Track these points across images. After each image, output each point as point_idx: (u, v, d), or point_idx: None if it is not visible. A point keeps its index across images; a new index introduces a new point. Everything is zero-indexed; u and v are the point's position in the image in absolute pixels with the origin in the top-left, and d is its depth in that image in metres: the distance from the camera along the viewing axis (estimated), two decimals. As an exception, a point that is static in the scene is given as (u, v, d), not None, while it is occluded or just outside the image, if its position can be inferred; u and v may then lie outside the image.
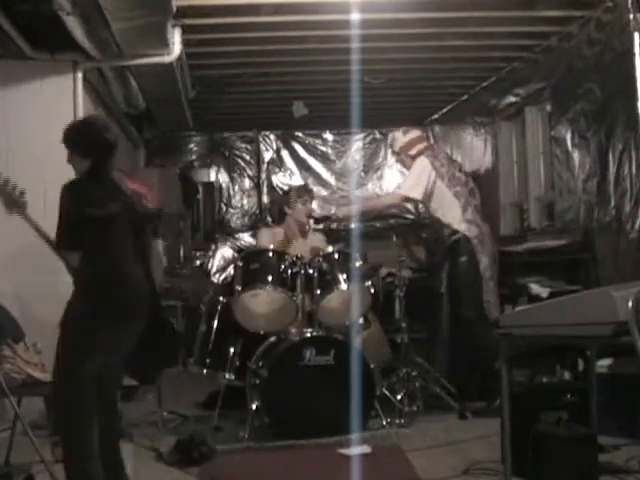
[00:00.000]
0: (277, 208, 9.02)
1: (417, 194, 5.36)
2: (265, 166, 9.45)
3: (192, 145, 9.39)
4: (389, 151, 9.46)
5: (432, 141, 5.97)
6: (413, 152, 5.51)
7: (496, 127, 7.17)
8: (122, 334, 3.27)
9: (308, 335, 4.65)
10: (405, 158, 5.61)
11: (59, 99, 5.06)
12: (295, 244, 5.38)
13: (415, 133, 5.69)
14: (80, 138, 3.44)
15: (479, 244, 5.27)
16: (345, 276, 4.78)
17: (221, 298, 4.99)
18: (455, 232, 5.29)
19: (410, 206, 9.20)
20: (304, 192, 5.66)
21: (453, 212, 5.30)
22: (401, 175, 9.50)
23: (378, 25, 5.30)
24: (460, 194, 5.36)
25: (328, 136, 9.51)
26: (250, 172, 9.45)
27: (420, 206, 8.63)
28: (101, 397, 3.25)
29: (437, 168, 5.36)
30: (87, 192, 3.29)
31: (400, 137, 5.63)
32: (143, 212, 3.58)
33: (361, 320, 5.01)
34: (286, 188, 9.26)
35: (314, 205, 6.04)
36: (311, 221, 5.56)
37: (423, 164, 5.39)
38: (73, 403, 3.16)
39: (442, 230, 5.42)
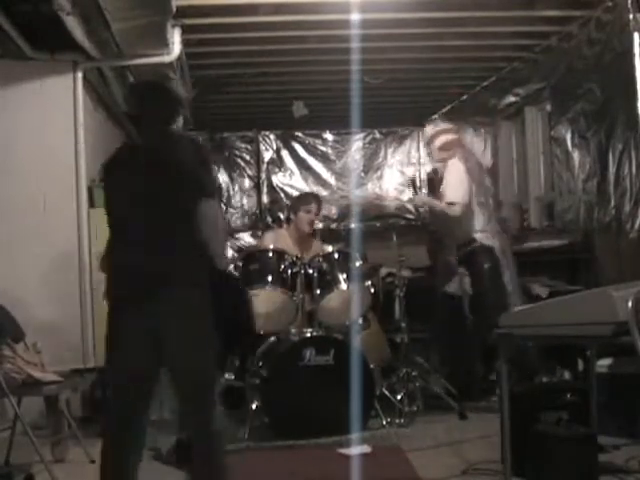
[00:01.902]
0: (281, 210, 9.02)
1: (459, 197, 5.12)
2: (265, 166, 9.46)
3: (192, 145, 9.37)
4: (389, 150, 9.55)
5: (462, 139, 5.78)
6: (438, 143, 5.35)
7: (496, 127, 7.18)
8: None
9: (308, 335, 4.65)
10: (433, 150, 5.48)
11: (59, 99, 5.05)
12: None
13: (444, 125, 5.62)
14: None
15: (503, 257, 5.16)
16: (345, 276, 4.78)
17: (221, 298, 4.98)
18: (472, 240, 5.17)
19: (411, 206, 9.22)
20: (310, 200, 5.51)
21: (473, 221, 5.17)
22: (401, 175, 9.55)
23: (378, 25, 5.30)
24: (485, 205, 5.24)
25: (328, 136, 9.51)
26: (250, 172, 9.46)
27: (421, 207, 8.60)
28: None
29: (469, 169, 5.21)
30: None
31: (430, 128, 5.58)
32: None
33: (361, 320, 5.00)
34: (286, 189, 9.29)
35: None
36: (318, 224, 5.50)
37: (457, 167, 5.22)
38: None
39: (454, 234, 5.29)
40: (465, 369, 5.16)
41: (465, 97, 7.75)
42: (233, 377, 4.78)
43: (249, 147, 9.46)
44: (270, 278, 4.73)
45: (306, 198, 5.64)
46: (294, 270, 4.79)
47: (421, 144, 9.44)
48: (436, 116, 5.70)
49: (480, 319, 5.14)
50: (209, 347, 2.92)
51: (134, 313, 2.86)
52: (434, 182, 8.23)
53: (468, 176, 5.20)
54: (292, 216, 5.52)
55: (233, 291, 3.15)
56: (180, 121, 3.34)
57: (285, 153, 9.49)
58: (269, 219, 9.32)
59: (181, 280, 2.88)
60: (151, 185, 2.92)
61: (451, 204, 5.15)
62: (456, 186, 5.19)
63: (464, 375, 5.12)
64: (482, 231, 5.19)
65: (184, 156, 2.95)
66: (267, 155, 9.48)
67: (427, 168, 9.15)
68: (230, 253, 9.20)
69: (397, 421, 4.65)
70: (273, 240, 5.40)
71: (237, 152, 9.45)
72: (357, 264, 4.83)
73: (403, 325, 5.05)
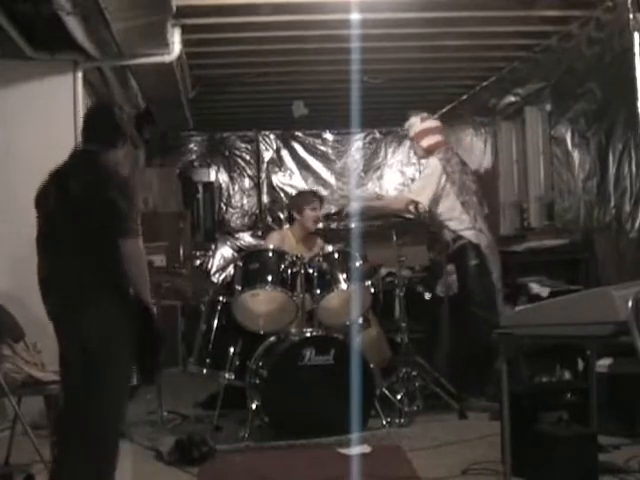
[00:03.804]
0: (281, 210, 9.04)
1: (424, 198, 5.20)
2: (265, 166, 9.46)
3: (192, 145, 9.40)
4: (389, 150, 9.57)
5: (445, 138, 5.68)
6: (424, 144, 5.34)
7: (496, 127, 7.18)
8: None
9: (308, 335, 4.65)
10: (417, 147, 5.47)
11: (59, 99, 5.06)
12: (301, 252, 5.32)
13: (432, 123, 5.49)
14: None
15: (490, 254, 5.18)
16: (345, 276, 4.78)
17: (221, 298, 4.99)
18: (460, 237, 5.20)
19: (412, 208, 9.23)
20: (314, 198, 5.56)
21: (460, 220, 5.21)
22: (401, 175, 9.57)
23: (378, 25, 5.30)
24: (470, 204, 5.24)
25: (328, 136, 9.52)
26: (250, 172, 9.46)
27: (420, 206, 8.61)
28: None
29: (449, 173, 5.22)
30: None
31: (417, 123, 5.41)
32: None
33: (361, 320, 5.00)
34: (286, 188, 9.29)
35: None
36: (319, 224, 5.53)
37: (434, 166, 5.24)
38: None
39: (443, 234, 5.33)
40: (456, 368, 5.17)
41: (465, 97, 7.75)
42: (233, 377, 4.78)
43: (249, 147, 9.46)
44: (270, 278, 4.73)
45: (309, 196, 5.66)
46: (294, 270, 4.79)
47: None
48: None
49: (468, 316, 5.16)
50: (89, 388, 2.96)
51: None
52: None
53: (445, 178, 5.20)
54: (297, 216, 5.52)
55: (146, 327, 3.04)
56: (118, 151, 3.17)
57: (285, 153, 9.50)
58: (269, 219, 9.34)
59: (74, 314, 2.98)
60: (58, 212, 3.00)
61: (408, 198, 5.30)
62: (424, 186, 5.26)
63: (458, 374, 5.12)
64: (469, 229, 5.20)
65: (96, 191, 2.94)
66: (267, 155, 9.49)
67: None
68: (230, 253, 9.23)
69: (397, 421, 4.64)
70: (278, 240, 5.41)
71: (237, 152, 9.46)
72: (357, 264, 4.82)
73: (403, 325, 5.05)
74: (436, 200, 5.24)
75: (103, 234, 2.93)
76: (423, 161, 5.65)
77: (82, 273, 2.98)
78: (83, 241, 2.97)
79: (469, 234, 5.20)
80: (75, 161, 3.13)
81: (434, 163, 5.27)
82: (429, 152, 5.35)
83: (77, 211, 2.96)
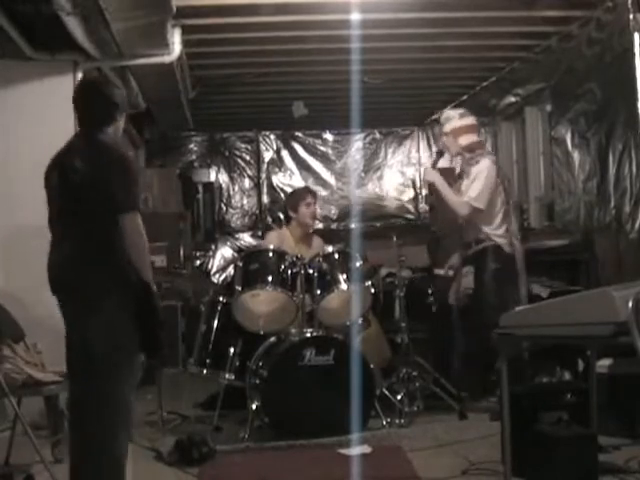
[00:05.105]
0: (281, 211, 9.03)
1: (482, 203, 4.86)
2: (265, 166, 9.47)
3: (192, 145, 9.40)
4: (389, 151, 9.56)
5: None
6: (463, 141, 4.97)
7: (496, 127, 7.18)
8: None
9: (308, 335, 4.65)
10: (452, 143, 5.03)
11: (59, 99, 5.05)
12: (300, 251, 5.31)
13: (471, 120, 5.11)
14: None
15: (521, 263, 4.93)
16: (345, 276, 4.78)
17: (221, 298, 4.99)
18: (482, 240, 4.95)
19: (411, 206, 9.23)
20: (307, 194, 5.59)
21: (499, 226, 4.95)
22: (401, 175, 9.56)
23: (378, 25, 5.30)
24: (509, 212, 5.00)
25: (328, 136, 9.53)
26: (250, 172, 9.47)
27: (420, 206, 8.62)
28: None
29: (502, 179, 4.99)
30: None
31: (455, 118, 5.05)
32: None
33: (361, 320, 5.00)
34: (286, 189, 9.29)
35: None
36: (318, 224, 5.50)
37: (490, 170, 4.92)
38: None
39: (467, 235, 5.07)
40: (463, 370, 5.15)
41: (465, 97, 7.75)
42: (233, 377, 4.78)
43: (249, 147, 9.47)
44: (270, 278, 4.73)
45: (302, 193, 5.69)
46: (294, 270, 4.79)
47: (421, 144, 9.46)
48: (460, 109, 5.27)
49: (479, 320, 5.08)
50: (92, 360, 2.95)
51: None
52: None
53: (499, 182, 4.96)
54: (293, 214, 5.54)
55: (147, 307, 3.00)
56: (117, 125, 3.16)
57: (285, 153, 9.51)
58: (269, 219, 9.34)
59: (75, 290, 3.00)
60: (60, 193, 3.00)
61: (472, 205, 4.88)
62: (484, 190, 4.88)
63: (465, 377, 5.10)
64: (503, 237, 4.94)
65: (96, 167, 2.93)
66: (267, 155, 9.50)
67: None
68: (230, 253, 9.23)
69: (397, 421, 4.64)
70: (277, 239, 5.42)
71: (237, 152, 9.47)
72: (357, 264, 4.82)
73: (403, 325, 5.05)
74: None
75: (104, 213, 2.90)
76: (438, 164, 5.17)
77: (85, 267, 2.97)
78: (84, 227, 2.95)
79: (501, 241, 4.94)
80: (75, 145, 3.10)
81: (489, 166, 4.95)
82: (469, 151, 5.01)
83: (77, 195, 2.94)
